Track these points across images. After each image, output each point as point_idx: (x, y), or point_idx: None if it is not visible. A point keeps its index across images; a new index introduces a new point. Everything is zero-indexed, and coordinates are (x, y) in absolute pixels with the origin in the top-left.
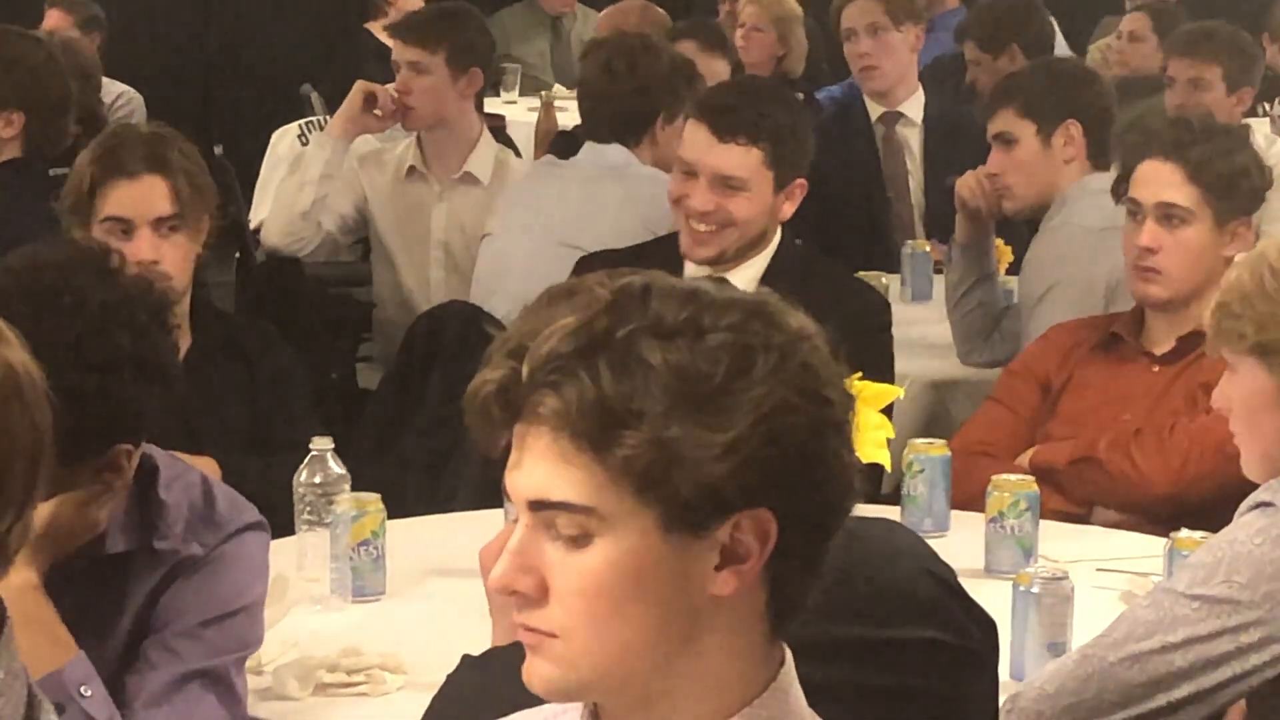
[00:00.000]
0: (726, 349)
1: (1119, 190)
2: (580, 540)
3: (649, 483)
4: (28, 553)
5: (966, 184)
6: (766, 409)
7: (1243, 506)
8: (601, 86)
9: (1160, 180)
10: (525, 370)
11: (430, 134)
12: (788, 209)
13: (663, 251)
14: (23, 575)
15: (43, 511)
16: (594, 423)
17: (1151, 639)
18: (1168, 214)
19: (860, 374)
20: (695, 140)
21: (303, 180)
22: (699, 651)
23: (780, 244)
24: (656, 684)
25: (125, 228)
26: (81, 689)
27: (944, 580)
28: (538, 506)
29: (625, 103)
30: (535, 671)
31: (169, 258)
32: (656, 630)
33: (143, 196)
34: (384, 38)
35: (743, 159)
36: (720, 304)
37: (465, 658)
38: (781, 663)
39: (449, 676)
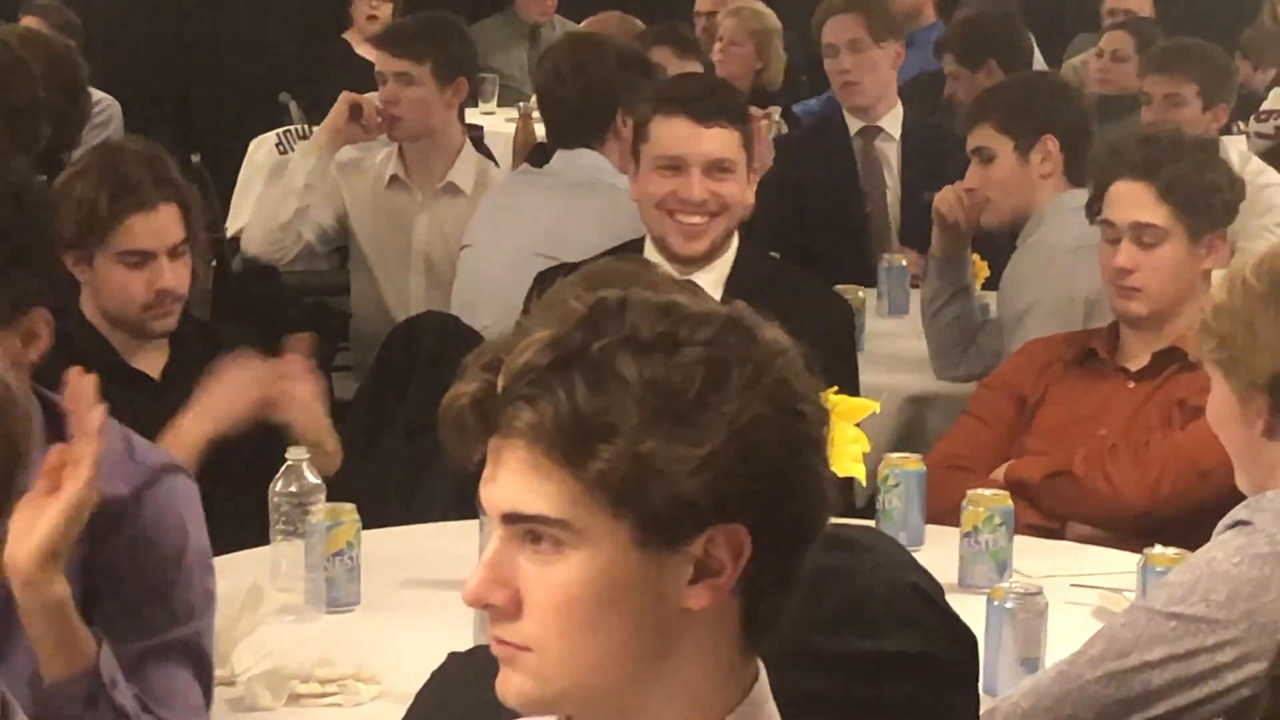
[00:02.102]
0: (702, 363)
1: (1092, 210)
2: (554, 553)
3: (623, 496)
4: (58, 563)
5: (944, 199)
6: (741, 423)
7: (1220, 525)
8: (553, 91)
9: (1133, 200)
10: (500, 383)
11: (414, 144)
12: (750, 195)
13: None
14: (59, 585)
15: None
16: (568, 436)
17: (1129, 657)
18: (1142, 234)
19: (826, 376)
20: (678, 133)
21: (286, 190)
22: (673, 665)
23: (740, 248)
24: (630, 698)
25: (142, 258)
26: (114, 679)
27: (927, 593)
28: (512, 519)
29: (577, 104)
30: (509, 685)
31: (180, 280)
32: (630, 643)
33: (161, 227)
34: (361, 48)
35: (728, 140)
36: (696, 317)
37: (451, 654)
38: (756, 676)
39: (434, 672)
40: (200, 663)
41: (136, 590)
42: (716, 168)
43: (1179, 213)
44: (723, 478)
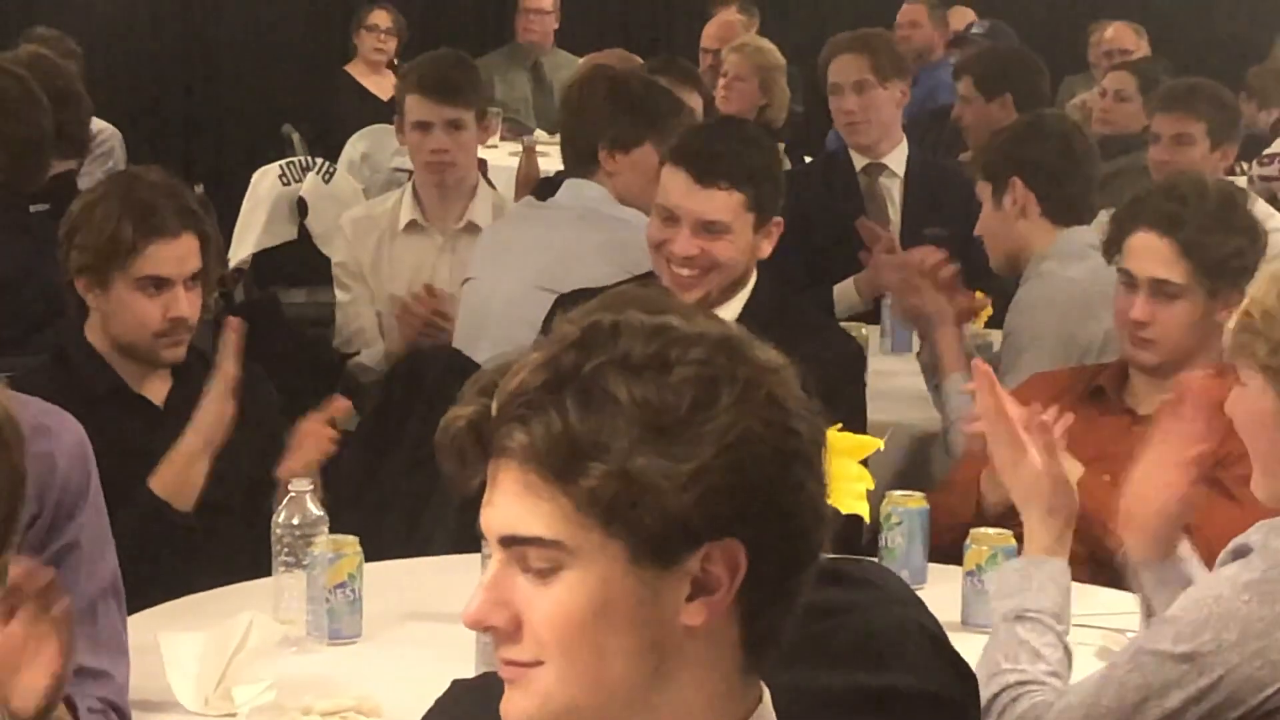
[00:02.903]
0: (691, 382)
1: (1110, 251)
2: (550, 573)
3: (615, 514)
4: None
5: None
6: (731, 439)
7: (1224, 554)
8: (561, 118)
9: (1153, 255)
10: (495, 406)
11: (433, 186)
12: (765, 247)
13: None
14: None
15: None
16: (560, 455)
17: (1146, 706)
18: (1160, 289)
19: (835, 412)
20: (675, 186)
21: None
22: (672, 684)
23: (756, 285)
24: (631, 717)
25: (159, 284)
26: None
27: (933, 633)
28: (508, 542)
29: (570, 132)
30: (512, 704)
31: (194, 310)
32: (628, 661)
33: (181, 256)
34: (364, 80)
35: (725, 203)
36: (688, 338)
37: (455, 681)
38: (759, 699)
39: (438, 700)
40: (120, 595)
41: (63, 538)
42: (707, 229)
43: (1198, 272)
44: (713, 493)
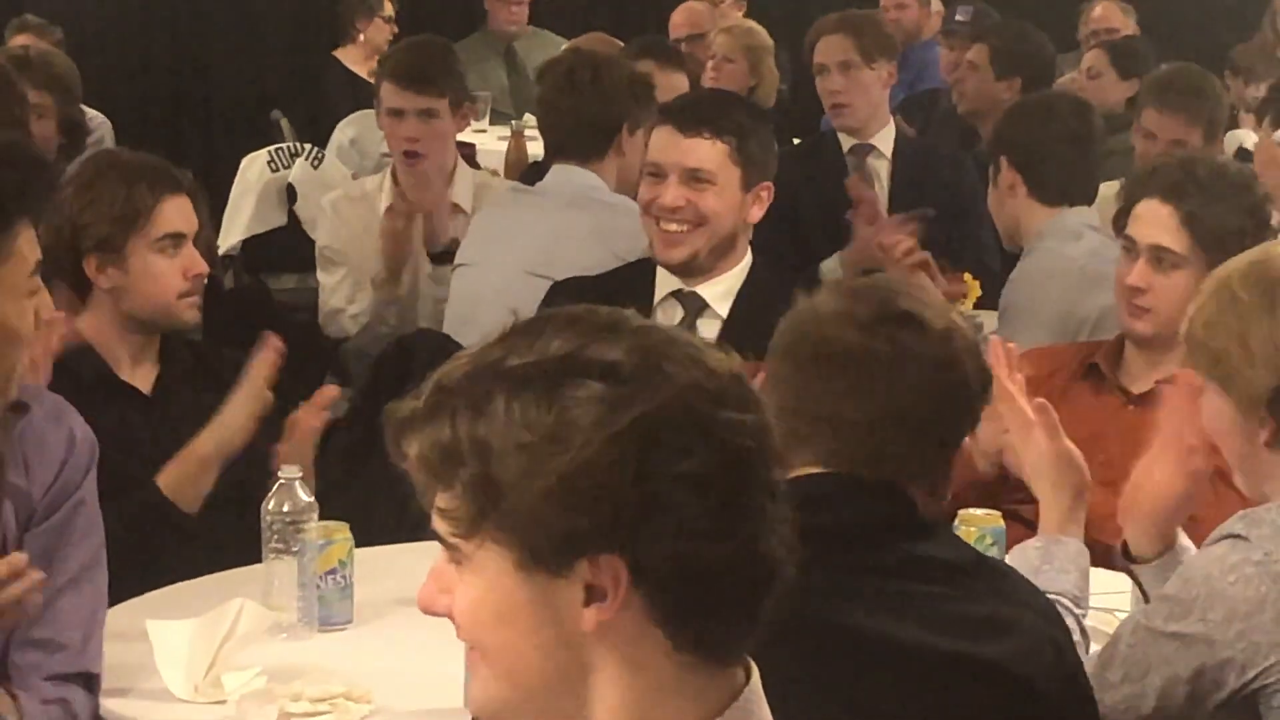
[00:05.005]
0: (573, 399)
1: (1120, 222)
2: (461, 571)
3: (483, 519)
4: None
5: None
6: (586, 457)
7: (1215, 534)
8: (565, 101)
9: (1157, 222)
10: (414, 406)
11: (411, 170)
12: (755, 212)
13: (634, 276)
14: None
15: None
16: (438, 461)
17: (1145, 681)
18: (1160, 256)
19: None
20: (661, 141)
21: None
22: (596, 681)
23: (754, 264)
24: (568, 709)
25: (177, 242)
26: None
27: (1058, 643)
28: (434, 535)
29: (589, 114)
30: (468, 691)
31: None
32: (540, 659)
33: (188, 212)
34: (353, 66)
35: (709, 152)
36: (604, 340)
37: None
38: (738, 691)
39: None
40: (104, 569)
41: (69, 504)
42: (693, 177)
43: (1198, 245)
44: (572, 510)
